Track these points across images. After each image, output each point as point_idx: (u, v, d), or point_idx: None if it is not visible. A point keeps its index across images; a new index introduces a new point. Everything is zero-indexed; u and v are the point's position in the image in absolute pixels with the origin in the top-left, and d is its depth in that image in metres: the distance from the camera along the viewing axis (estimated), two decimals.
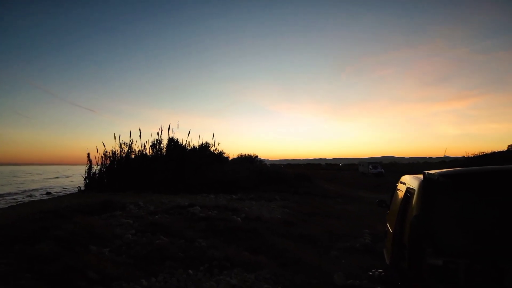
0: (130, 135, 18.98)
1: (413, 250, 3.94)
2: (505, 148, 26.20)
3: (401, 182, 5.22)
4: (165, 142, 19.34)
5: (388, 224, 5.35)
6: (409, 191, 4.67)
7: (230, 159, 28.03)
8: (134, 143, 18.86)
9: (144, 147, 19.08)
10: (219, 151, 21.10)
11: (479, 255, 3.87)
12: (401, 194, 5.07)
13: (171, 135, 19.40)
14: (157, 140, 19.15)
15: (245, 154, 33.34)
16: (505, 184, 3.89)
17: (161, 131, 19.39)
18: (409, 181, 4.59)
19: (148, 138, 20.38)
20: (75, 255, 5.43)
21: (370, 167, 43.16)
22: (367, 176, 40.45)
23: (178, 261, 5.71)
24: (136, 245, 6.45)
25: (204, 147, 20.31)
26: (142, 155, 18.68)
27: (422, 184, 4.04)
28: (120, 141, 18.41)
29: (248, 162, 28.21)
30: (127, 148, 18.37)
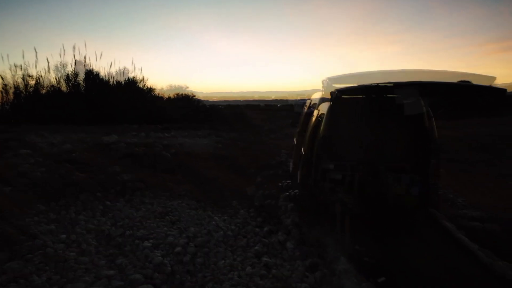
0: (23, 57, 15.67)
1: (317, 165, 4.37)
2: None
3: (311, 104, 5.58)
4: (81, 75, 16.95)
5: (295, 139, 5.77)
6: (320, 115, 5.05)
7: (164, 97, 26.40)
8: (42, 73, 15.98)
9: (58, 82, 16.50)
10: (148, 87, 19.46)
11: (363, 162, 4.53)
12: (309, 114, 5.47)
13: (78, 59, 16.88)
14: (73, 73, 16.66)
15: (181, 94, 31.68)
16: (381, 100, 4.41)
17: (75, 63, 16.75)
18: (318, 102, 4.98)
19: (49, 64, 16.97)
20: None
21: (303, 106, 45.45)
22: (301, 114, 42.68)
23: (88, 187, 5.46)
24: (46, 183, 5.92)
25: (131, 82, 18.45)
26: (55, 91, 16.24)
27: (330, 105, 4.34)
28: (22, 71, 15.26)
29: (185, 101, 26.95)
30: (33, 82, 15.65)
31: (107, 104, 16.09)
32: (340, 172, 4.47)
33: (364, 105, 4.46)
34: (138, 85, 18.83)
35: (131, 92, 17.83)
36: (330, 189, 4.49)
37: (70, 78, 16.54)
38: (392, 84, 3.43)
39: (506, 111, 21.43)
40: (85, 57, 16.88)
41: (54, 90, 16.39)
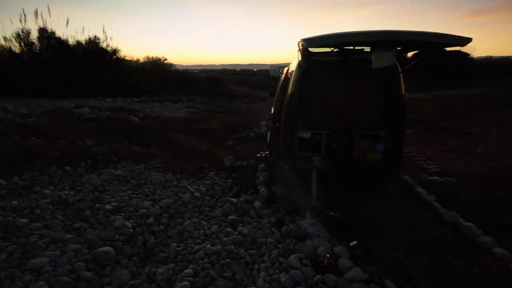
0: None
1: (287, 125, 4.29)
2: None
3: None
4: (34, 34, 15.30)
5: (272, 109, 5.64)
6: (289, 73, 4.88)
7: (134, 61, 24.78)
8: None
9: (22, 51, 14.82)
10: (114, 48, 18.04)
11: (337, 127, 4.51)
12: (286, 82, 5.27)
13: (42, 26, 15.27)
14: (24, 30, 14.99)
15: (152, 57, 29.80)
16: (354, 57, 4.29)
17: (39, 31, 14.98)
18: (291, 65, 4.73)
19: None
20: None
21: (280, 71, 44.75)
22: (278, 79, 42.11)
23: (53, 160, 5.10)
24: (7, 156, 5.45)
25: (93, 42, 16.96)
26: (16, 59, 14.62)
27: (298, 61, 4.17)
28: None
29: (156, 65, 25.41)
30: None
31: (75, 74, 14.83)
32: (309, 130, 4.42)
33: (336, 64, 4.33)
34: (102, 46, 17.39)
35: (100, 59, 16.43)
36: (298, 147, 4.46)
37: (31, 44, 14.89)
38: (363, 36, 3.30)
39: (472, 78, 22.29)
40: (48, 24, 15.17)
41: (15, 58, 14.73)
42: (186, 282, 2.30)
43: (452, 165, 5.89)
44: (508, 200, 4.23)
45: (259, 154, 6.42)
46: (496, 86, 18.54)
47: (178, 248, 2.91)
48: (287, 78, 5.04)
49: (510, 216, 3.75)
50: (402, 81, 4.08)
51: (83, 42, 16.63)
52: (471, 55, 24.74)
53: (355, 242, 3.19)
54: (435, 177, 5.04)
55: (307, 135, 4.48)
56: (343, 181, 4.86)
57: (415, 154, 6.71)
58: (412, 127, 9.63)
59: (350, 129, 4.44)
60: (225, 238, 3.00)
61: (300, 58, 4.14)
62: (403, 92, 4.05)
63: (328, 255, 2.83)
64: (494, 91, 16.17)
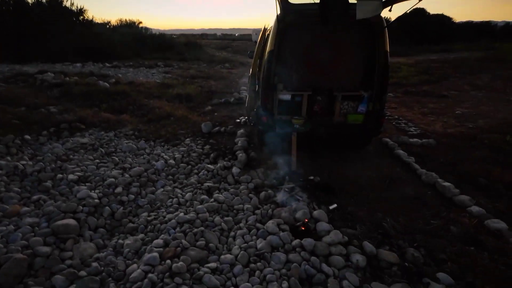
0: None
1: (265, 86, 4.01)
2: None
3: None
4: None
5: (250, 70, 5.30)
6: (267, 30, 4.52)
7: (105, 23, 22.88)
8: None
9: None
10: (80, 8, 16.41)
11: (318, 88, 4.28)
12: (261, 35, 4.89)
13: None
14: None
15: (126, 21, 27.57)
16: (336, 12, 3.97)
17: None
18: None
19: None
20: None
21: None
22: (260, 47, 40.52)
23: (10, 129, 4.64)
24: None
25: (54, 1, 15.29)
26: None
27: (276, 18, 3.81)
28: None
29: (130, 29, 23.55)
30: None
31: (36, 37, 13.41)
32: (289, 92, 4.17)
33: (317, 18, 3.98)
34: (72, 11, 15.75)
35: (65, 20, 14.86)
36: (278, 110, 4.23)
37: None
38: None
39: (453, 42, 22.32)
40: None
41: None
42: (155, 253, 2.13)
43: (432, 127, 5.89)
44: (484, 160, 4.27)
45: (238, 119, 6.17)
46: (475, 50, 18.68)
47: (149, 218, 2.72)
48: (265, 36, 4.66)
49: (486, 175, 3.79)
50: (387, 37, 3.83)
51: (43, 0, 14.97)
52: (453, 20, 24.61)
53: (335, 205, 3.11)
54: (415, 139, 5.01)
55: (286, 97, 4.24)
56: (324, 144, 4.75)
57: (396, 117, 6.67)
58: (393, 90, 9.57)
59: (332, 90, 4.23)
60: (199, 206, 2.82)
61: (278, 11, 3.77)
62: (387, 49, 3.81)
63: (306, 220, 2.73)
64: (473, 55, 16.27)
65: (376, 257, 2.41)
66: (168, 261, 2.08)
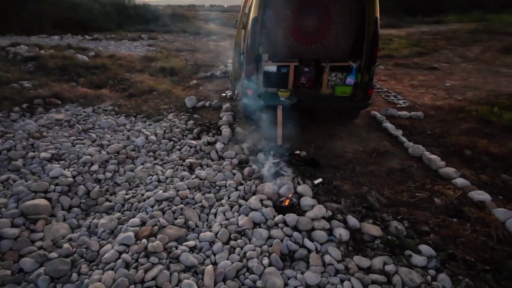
0: None
1: (249, 55, 3.79)
2: None
3: None
4: None
5: (235, 40, 5.03)
6: None
7: None
8: None
9: None
10: None
11: (305, 58, 4.09)
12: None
13: None
14: None
15: None
16: None
17: None
18: None
19: None
20: None
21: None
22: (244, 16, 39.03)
23: None
24: None
25: None
26: None
27: None
28: None
29: None
30: None
31: (7, 5, 12.41)
32: (274, 63, 3.97)
33: None
34: None
35: None
36: (263, 82, 4.06)
37: None
38: None
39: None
40: None
41: None
42: (130, 233, 2.04)
43: (421, 99, 5.81)
44: (471, 132, 4.25)
45: (224, 93, 5.95)
46: (467, 22, 18.37)
47: (127, 196, 2.61)
48: (250, 3, 4.37)
49: (472, 147, 3.77)
50: (377, 2, 3.61)
51: None
52: None
53: (320, 179, 3.05)
54: (403, 112, 4.93)
55: (272, 68, 4.05)
56: (311, 117, 4.63)
57: (385, 89, 6.55)
58: (383, 63, 9.38)
59: (319, 60, 4.05)
60: (180, 183, 2.71)
61: None
62: (377, 15, 3.60)
63: (290, 195, 2.66)
64: (465, 27, 16.00)
65: (359, 230, 2.38)
66: (144, 241, 1.99)
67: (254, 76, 3.89)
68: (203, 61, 9.28)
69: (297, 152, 3.66)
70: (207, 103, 5.29)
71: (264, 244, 2.13)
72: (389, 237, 2.30)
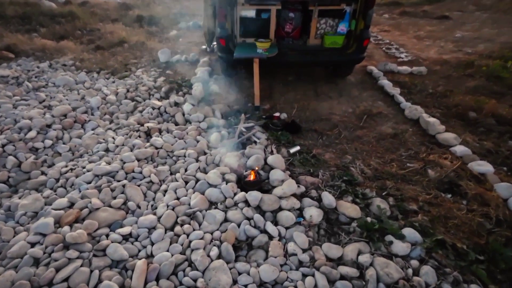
0: None
1: None
2: None
3: None
4: None
5: None
6: None
7: None
8: None
9: None
10: None
11: (290, 1, 3.42)
12: None
13: None
14: None
15: None
16: None
17: None
18: None
19: None
20: None
21: None
22: None
23: None
24: None
25: None
26: None
27: None
28: None
29: None
30: None
31: None
32: (253, 6, 3.32)
33: None
34: None
35: None
36: (240, 31, 3.44)
37: None
38: None
39: None
40: None
41: None
42: (50, 218, 1.67)
43: (426, 52, 5.15)
44: (478, 90, 3.72)
45: (204, 46, 5.28)
46: None
47: (65, 169, 2.21)
48: None
49: (477, 108, 3.28)
50: None
51: None
52: None
53: (297, 147, 2.63)
54: (404, 67, 4.35)
55: (250, 13, 3.39)
56: (296, 74, 4.09)
57: (387, 41, 5.84)
58: (388, 11, 8.42)
59: (307, 3, 3.38)
60: (127, 153, 2.29)
61: None
62: None
63: (257, 168, 2.26)
64: None
65: (335, 210, 2.02)
66: (66, 228, 1.63)
67: (228, 23, 3.27)
68: (190, 9, 8.32)
69: (276, 114, 3.19)
70: (183, 57, 4.68)
71: (217, 230, 1.78)
72: (369, 218, 1.95)
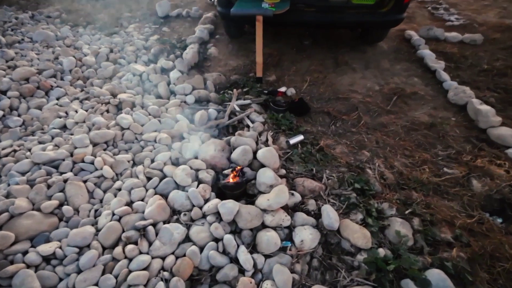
0: None
1: None
2: None
3: None
4: None
5: None
6: None
7: None
8: None
9: None
10: None
11: None
12: None
13: None
14: None
15: None
16: None
17: None
18: None
19: None
20: None
21: None
22: None
23: None
24: None
25: None
26: None
27: None
28: None
29: None
30: None
31: None
32: None
33: None
34: None
35: None
36: None
37: None
38: None
39: None
40: None
41: None
42: None
43: (483, 15, 4.12)
44: None
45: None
46: None
47: (7, 150, 1.80)
48: None
49: None
50: None
51: None
52: None
53: (300, 137, 2.05)
54: (453, 33, 3.45)
55: None
56: (314, 38, 3.34)
57: None
58: None
59: None
60: (79, 136, 1.82)
61: None
62: None
63: (238, 167, 1.74)
64: None
65: (337, 233, 1.50)
66: None
67: None
68: None
69: (282, 89, 2.58)
70: (185, 11, 4.00)
71: (172, 253, 1.34)
72: (381, 251, 1.42)
